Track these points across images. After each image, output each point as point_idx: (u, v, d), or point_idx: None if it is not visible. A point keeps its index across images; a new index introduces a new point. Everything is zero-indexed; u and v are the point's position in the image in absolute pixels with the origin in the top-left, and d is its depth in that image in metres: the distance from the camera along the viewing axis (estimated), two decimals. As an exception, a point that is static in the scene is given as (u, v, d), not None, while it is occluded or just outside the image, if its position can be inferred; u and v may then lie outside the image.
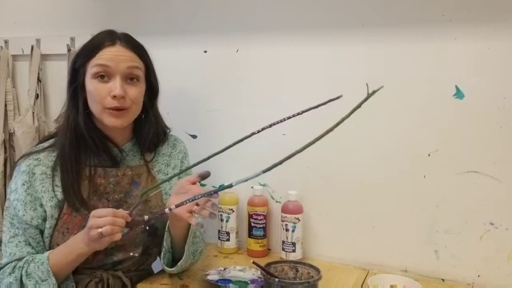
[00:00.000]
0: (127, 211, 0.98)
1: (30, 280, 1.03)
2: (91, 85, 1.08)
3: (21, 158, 1.11)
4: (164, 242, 1.11)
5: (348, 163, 1.31)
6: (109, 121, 1.08)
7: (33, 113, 1.69)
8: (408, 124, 1.23)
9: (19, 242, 1.08)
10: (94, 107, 1.09)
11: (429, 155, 1.22)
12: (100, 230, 0.94)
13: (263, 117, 1.40)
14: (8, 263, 1.07)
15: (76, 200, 1.08)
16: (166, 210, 0.95)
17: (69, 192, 1.08)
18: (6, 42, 1.77)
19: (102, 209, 0.98)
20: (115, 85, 1.06)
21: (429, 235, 1.23)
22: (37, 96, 1.71)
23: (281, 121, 0.93)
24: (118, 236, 0.96)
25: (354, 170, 1.30)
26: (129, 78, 1.10)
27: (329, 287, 1.16)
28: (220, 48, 1.45)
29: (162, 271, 1.19)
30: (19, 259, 1.07)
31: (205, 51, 1.47)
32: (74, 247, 1.03)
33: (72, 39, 1.65)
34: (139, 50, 1.13)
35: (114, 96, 1.06)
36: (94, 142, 1.10)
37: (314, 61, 1.33)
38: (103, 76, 1.07)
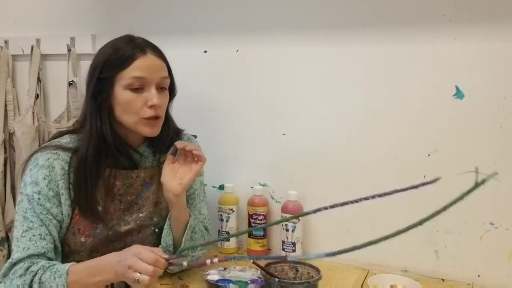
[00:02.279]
0: (166, 257, 0.94)
1: None
2: (125, 96, 1.06)
3: (37, 152, 1.07)
4: (162, 240, 1.11)
5: (348, 163, 1.31)
6: (145, 130, 1.08)
7: (33, 113, 1.69)
8: (408, 124, 1.23)
9: (33, 235, 1.02)
10: (129, 118, 1.07)
11: (429, 155, 1.22)
12: (138, 277, 0.90)
13: (263, 117, 1.41)
14: (22, 260, 1.01)
15: (87, 209, 1.06)
16: (208, 261, 0.89)
17: (83, 199, 1.06)
18: (6, 42, 1.77)
19: (146, 252, 0.92)
20: (152, 95, 1.06)
21: (429, 235, 1.23)
22: (37, 96, 1.71)
23: (371, 197, 0.74)
24: (150, 284, 0.93)
25: (354, 170, 1.30)
26: (160, 88, 1.10)
27: (329, 287, 1.16)
28: (220, 48, 1.45)
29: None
30: (35, 263, 1.01)
31: (205, 51, 1.47)
32: (103, 270, 0.97)
33: (72, 39, 1.65)
34: (164, 57, 1.13)
35: (151, 106, 1.06)
36: (118, 149, 1.09)
37: (314, 61, 1.33)
38: (138, 87, 1.07)
